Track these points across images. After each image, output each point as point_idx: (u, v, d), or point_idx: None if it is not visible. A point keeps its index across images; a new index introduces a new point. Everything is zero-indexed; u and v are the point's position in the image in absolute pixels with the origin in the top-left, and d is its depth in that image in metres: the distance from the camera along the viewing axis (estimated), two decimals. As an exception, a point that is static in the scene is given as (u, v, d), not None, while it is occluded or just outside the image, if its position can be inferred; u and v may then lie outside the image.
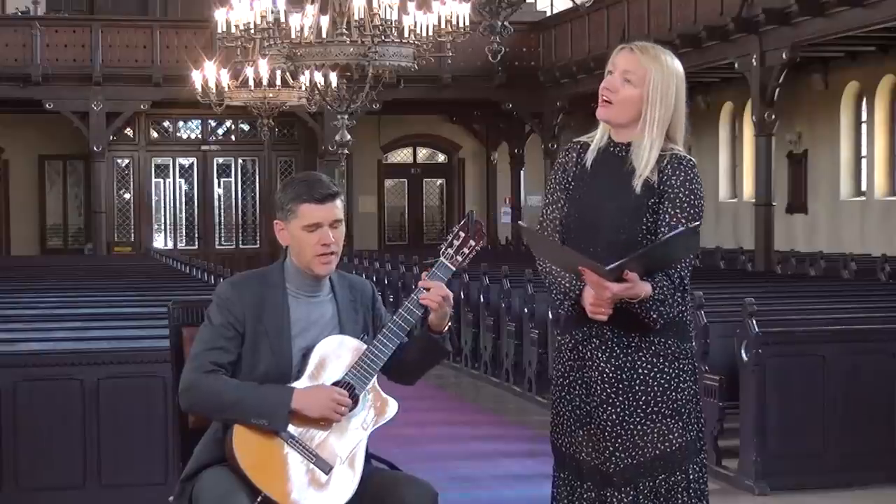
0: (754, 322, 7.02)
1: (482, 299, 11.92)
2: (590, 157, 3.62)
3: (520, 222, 3.60)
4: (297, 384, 3.54)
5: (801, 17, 14.27)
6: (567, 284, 3.54)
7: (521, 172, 24.46)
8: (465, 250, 3.64)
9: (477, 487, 7.08)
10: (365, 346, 3.61)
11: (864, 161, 18.87)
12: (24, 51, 19.75)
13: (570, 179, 3.64)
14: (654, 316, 3.45)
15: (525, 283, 10.85)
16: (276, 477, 3.46)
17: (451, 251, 3.63)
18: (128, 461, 6.00)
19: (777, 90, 15.07)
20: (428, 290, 3.59)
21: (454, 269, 3.63)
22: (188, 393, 3.56)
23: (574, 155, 3.67)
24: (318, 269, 3.62)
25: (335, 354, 3.59)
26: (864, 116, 18.86)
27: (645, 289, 3.39)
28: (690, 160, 3.58)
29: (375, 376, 3.61)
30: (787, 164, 19.83)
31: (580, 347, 3.59)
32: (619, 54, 3.61)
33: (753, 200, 15.50)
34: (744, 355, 7.01)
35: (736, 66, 15.70)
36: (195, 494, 3.51)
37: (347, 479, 3.52)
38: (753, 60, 15.21)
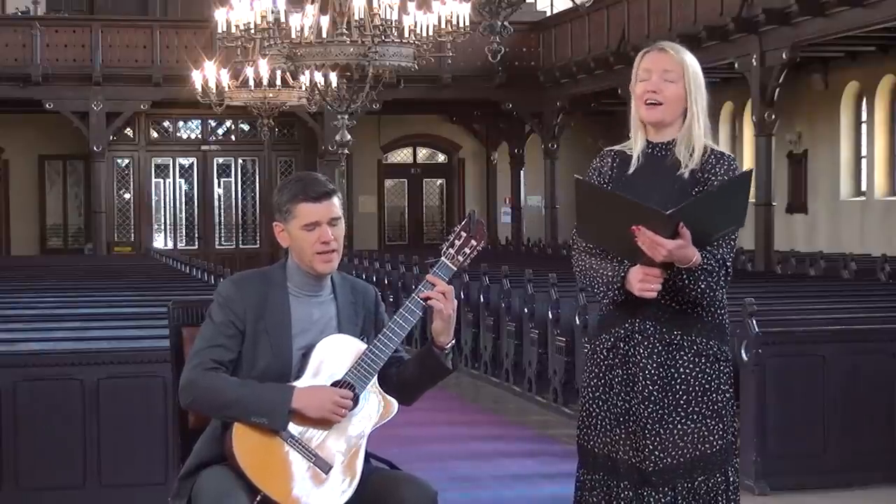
0: (754, 322, 7.02)
1: (482, 299, 11.92)
2: (634, 162, 3.65)
3: (576, 175, 3.58)
4: (297, 383, 3.54)
5: (801, 17, 14.26)
6: (609, 273, 3.54)
7: (521, 172, 24.46)
8: (467, 250, 3.63)
9: (477, 487, 7.07)
10: (365, 346, 3.61)
11: (864, 161, 18.89)
12: (24, 51, 19.75)
13: (605, 181, 3.68)
14: (703, 286, 3.45)
15: (525, 283, 10.85)
16: (275, 476, 3.46)
17: (452, 251, 3.63)
18: (128, 461, 6.00)
19: (777, 90, 15.07)
20: (434, 285, 3.59)
21: (455, 268, 3.62)
22: (188, 390, 3.55)
23: (609, 160, 3.72)
24: (319, 267, 3.62)
25: (336, 354, 3.59)
26: (864, 116, 18.88)
27: (696, 253, 3.40)
28: (731, 155, 3.66)
29: (376, 376, 3.61)
30: (787, 164, 19.85)
31: (621, 345, 3.60)
32: (650, 58, 3.64)
33: (753, 200, 15.51)
34: (744, 355, 7.01)
35: (736, 66, 15.69)
36: (194, 493, 3.51)
37: (347, 478, 3.52)
38: (753, 60, 15.21)
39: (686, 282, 3.46)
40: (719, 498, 3.56)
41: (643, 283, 3.44)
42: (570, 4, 19.70)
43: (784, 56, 14.74)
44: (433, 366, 3.67)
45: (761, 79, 15.10)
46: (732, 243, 3.57)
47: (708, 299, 3.52)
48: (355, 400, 3.55)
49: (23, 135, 22.71)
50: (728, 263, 3.54)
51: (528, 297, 10.66)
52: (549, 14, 23.76)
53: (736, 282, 12.00)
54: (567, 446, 7.52)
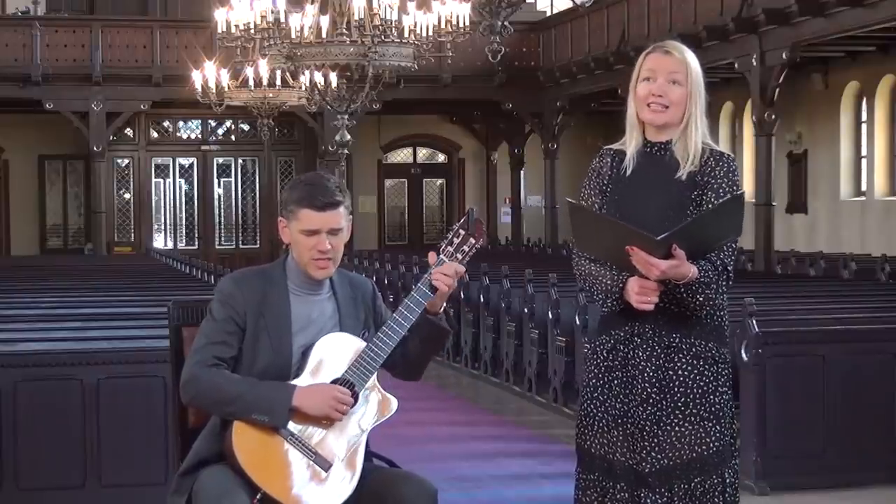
0: (754, 322, 7.02)
1: (482, 299, 11.91)
2: (630, 161, 3.64)
3: (568, 199, 3.58)
4: (297, 381, 3.54)
5: (801, 17, 14.26)
6: (609, 282, 3.54)
7: (521, 172, 24.46)
8: (465, 248, 3.63)
9: (477, 487, 7.06)
10: (365, 344, 3.61)
11: (864, 161, 18.89)
12: (24, 51, 19.75)
13: (605, 182, 3.67)
14: (701, 299, 3.47)
15: (525, 283, 10.84)
16: (275, 474, 3.46)
17: (450, 249, 3.63)
18: (128, 461, 6.00)
19: (777, 90, 15.06)
20: (434, 288, 3.58)
21: (454, 266, 3.62)
22: (189, 386, 3.55)
23: (608, 160, 3.70)
24: (314, 272, 3.62)
25: (335, 352, 3.59)
26: (864, 116, 18.88)
27: (691, 269, 3.41)
28: (730, 156, 3.65)
29: (376, 373, 3.61)
30: (787, 164, 19.85)
31: (621, 347, 3.60)
32: (655, 59, 3.61)
33: (753, 200, 15.52)
34: (744, 355, 7.00)
35: (736, 66, 15.69)
36: (194, 492, 3.51)
37: (347, 476, 3.52)
38: (753, 60, 15.20)
39: (684, 295, 3.48)
40: (716, 500, 3.57)
41: (640, 295, 3.45)
42: (570, 4, 19.72)
43: (784, 56, 14.74)
44: (433, 333, 3.68)
45: (761, 79, 15.09)
46: (733, 246, 3.57)
47: (709, 307, 3.54)
48: (355, 398, 3.55)
49: (23, 135, 22.71)
50: (729, 268, 3.55)
51: (528, 297, 10.66)
52: (549, 14, 23.75)
53: (736, 282, 11.98)
54: (567, 446, 7.51)
